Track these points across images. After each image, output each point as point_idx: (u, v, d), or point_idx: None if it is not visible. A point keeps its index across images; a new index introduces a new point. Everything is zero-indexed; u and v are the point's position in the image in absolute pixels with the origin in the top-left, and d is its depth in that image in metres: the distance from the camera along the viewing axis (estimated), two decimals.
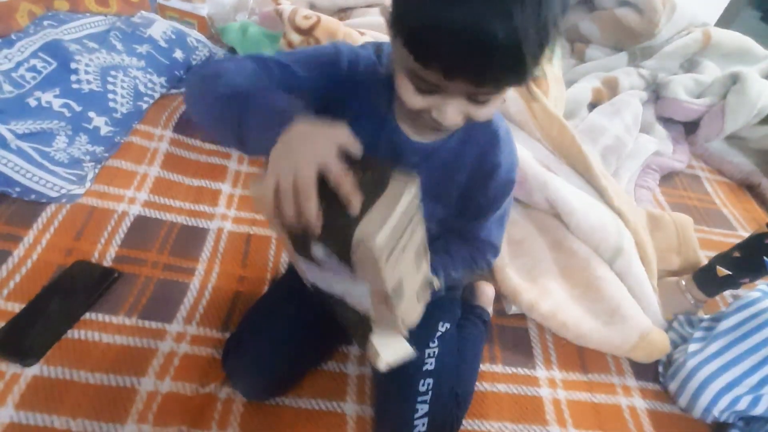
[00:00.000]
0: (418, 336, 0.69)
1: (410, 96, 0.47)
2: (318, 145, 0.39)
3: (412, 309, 0.51)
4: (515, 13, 0.38)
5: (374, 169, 0.42)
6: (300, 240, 0.45)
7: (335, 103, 0.55)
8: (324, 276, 0.49)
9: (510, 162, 0.60)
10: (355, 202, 0.39)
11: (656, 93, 1.54)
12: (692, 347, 0.83)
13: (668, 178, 1.39)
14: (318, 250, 0.44)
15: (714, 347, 0.81)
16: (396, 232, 0.40)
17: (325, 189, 0.38)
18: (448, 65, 0.42)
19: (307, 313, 0.69)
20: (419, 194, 0.42)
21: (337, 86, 0.54)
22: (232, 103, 0.45)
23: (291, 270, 0.79)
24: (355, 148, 0.40)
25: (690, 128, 1.53)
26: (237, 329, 0.75)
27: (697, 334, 0.86)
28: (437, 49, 0.41)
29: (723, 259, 0.91)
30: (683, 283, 0.94)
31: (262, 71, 0.50)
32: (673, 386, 0.84)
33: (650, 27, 1.48)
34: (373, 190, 0.40)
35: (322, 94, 0.54)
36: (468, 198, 0.62)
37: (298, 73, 0.52)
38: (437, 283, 0.57)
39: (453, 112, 0.46)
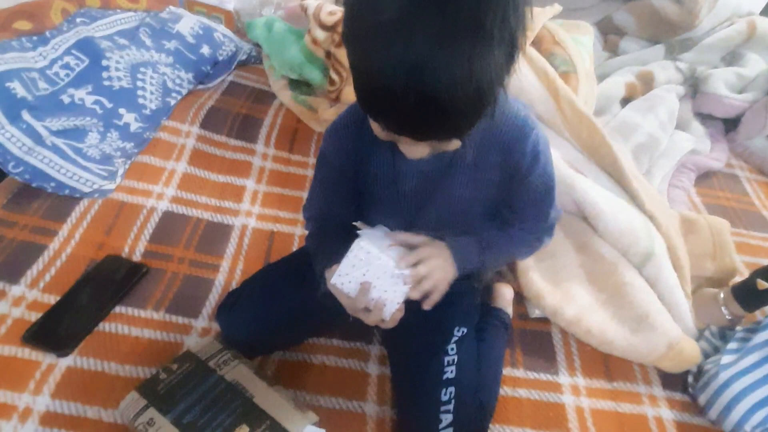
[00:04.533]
0: (433, 342, 0.70)
1: (377, 130, 0.49)
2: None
3: None
4: (427, 73, 0.38)
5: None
6: None
7: (358, 166, 0.62)
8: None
9: (540, 154, 0.59)
10: None
11: (694, 88, 1.47)
12: (725, 359, 0.80)
13: (705, 177, 1.33)
14: None
15: (749, 360, 0.78)
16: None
17: None
18: (381, 123, 0.45)
19: (303, 291, 0.71)
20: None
21: (351, 162, 0.62)
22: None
23: (302, 252, 0.82)
24: None
25: (730, 125, 1.46)
26: (237, 288, 0.78)
27: (731, 345, 0.82)
28: (366, 105, 0.45)
29: (765, 272, 0.87)
30: (722, 296, 0.90)
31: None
32: (703, 398, 0.81)
33: (690, 18, 1.41)
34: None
35: (349, 171, 0.63)
36: (513, 196, 0.62)
37: (337, 202, 0.67)
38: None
39: (416, 151, 0.49)
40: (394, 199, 0.63)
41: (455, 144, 0.50)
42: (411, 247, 0.60)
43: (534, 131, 0.59)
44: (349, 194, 0.66)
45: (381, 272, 0.55)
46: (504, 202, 0.65)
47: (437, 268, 0.59)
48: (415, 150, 0.49)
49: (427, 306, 0.59)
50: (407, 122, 0.43)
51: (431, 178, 0.60)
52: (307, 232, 0.72)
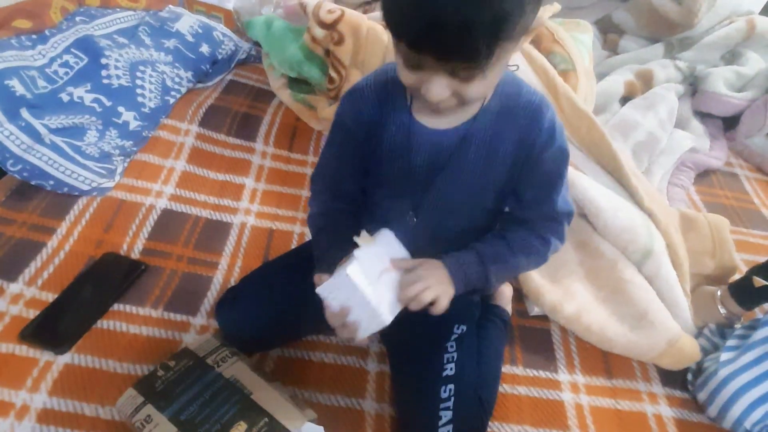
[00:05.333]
0: (433, 339, 0.70)
1: (402, 72, 0.51)
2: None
3: None
4: None
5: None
6: None
7: (372, 133, 0.62)
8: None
9: (556, 133, 0.59)
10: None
11: (694, 86, 1.47)
12: (725, 356, 0.79)
13: (704, 176, 1.33)
14: None
15: (748, 357, 0.78)
16: None
17: None
18: (406, 37, 0.46)
19: (302, 287, 0.70)
20: None
21: (365, 127, 0.62)
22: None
23: (301, 249, 0.83)
24: None
25: (729, 123, 1.46)
26: (236, 285, 0.79)
27: (731, 342, 0.82)
28: (393, 20, 0.46)
29: (761, 269, 0.87)
30: (719, 294, 0.90)
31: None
32: (702, 395, 0.81)
33: (690, 17, 1.41)
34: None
35: (363, 138, 0.62)
36: (522, 179, 0.61)
37: (347, 173, 0.66)
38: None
39: (437, 87, 0.49)
40: (404, 174, 0.61)
41: (474, 90, 0.50)
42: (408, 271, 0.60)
43: (550, 110, 0.59)
44: (358, 165, 0.65)
45: (361, 305, 0.56)
46: (511, 189, 0.63)
47: (431, 289, 0.58)
48: (435, 87, 0.49)
49: (435, 311, 0.58)
50: (426, 29, 0.44)
51: (444, 151, 0.59)
52: (310, 211, 0.71)
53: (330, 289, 0.57)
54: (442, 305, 0.58)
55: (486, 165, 0.60)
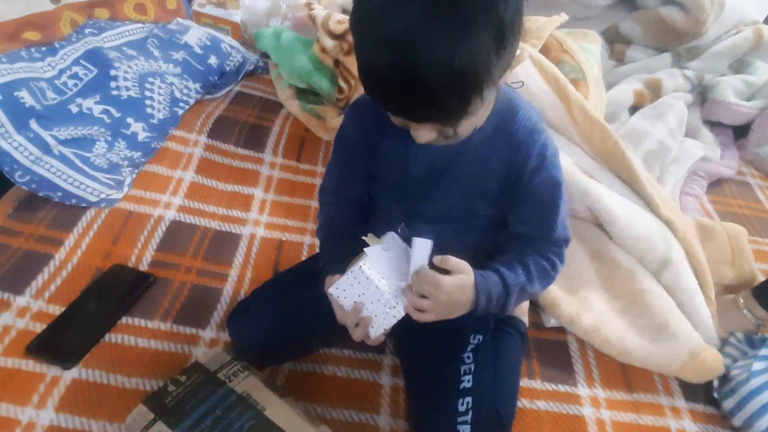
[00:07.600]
0: (449, 350, 0.68)
1: (390, 117, 0.52)
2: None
3: None
4: (410, 53, 0.41)
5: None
6: None
7: (372, 142, 0.64)
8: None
9: (547, 161, 0.60)
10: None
11: (702, 95, 1.47)
12: (757, 365, 0.77)
13: (716, 185, 1.32)
14: None
15: None
16: None
17: None
18: (380, 106, 0.49)
19: (315, 299, 0.69)
20: None
21: (366, 137, 0.64)
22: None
23: (312, 260, 0.81)
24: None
25: (739, 132, 1.45)
26: (247, 297, 0.78)
27: (763, 351, 0.80)
28: (366, 89, 0.48)
29: None
30: (741, 300, 0.88)
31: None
32: (729, 403, 0.78)
33: (697, 26, 1.41)
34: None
35: (364, 145, 0.65)
36: (517, 199, 0.62)
37: (351, 180, 0.68)
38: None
39: (423, 134, 0.52)
40: (403, 183, 0.63)
41: (462, 129, 0.52)
42: (441, 270, 0.57)
43: (542, 136, 0.60)
44: (363, 170, 0.67)
45: (375, 299, 0.57)
46: (510, 209, 0.64)
47: (433, 314, 0.57)
48: (421, 134, 0.51)
49: (415, 317, 0.58)
50: (398, 103, 0.47)
51: (439, 163, 0.61)
52: (317, 223, 0.72)
53: (343, 287, 0.57)
54: (427, 319, 0.58)
55: (479, 177, 0.61)
